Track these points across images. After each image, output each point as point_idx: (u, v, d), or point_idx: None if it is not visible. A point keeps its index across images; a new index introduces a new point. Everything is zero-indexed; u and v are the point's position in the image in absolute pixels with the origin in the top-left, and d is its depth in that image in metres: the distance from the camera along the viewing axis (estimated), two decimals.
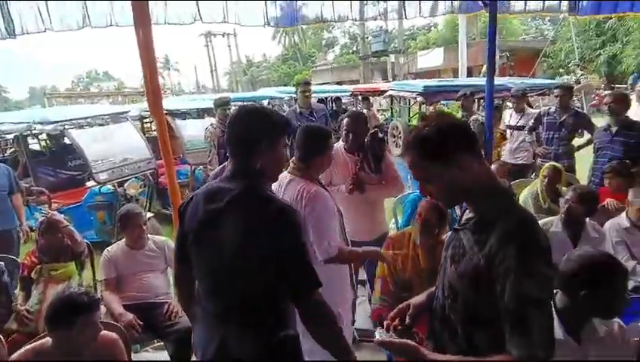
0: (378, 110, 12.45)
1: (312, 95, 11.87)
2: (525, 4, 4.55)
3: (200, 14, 3.56)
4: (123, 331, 2.18)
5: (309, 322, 1.37)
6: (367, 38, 25.95)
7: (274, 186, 2.08)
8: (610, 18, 10.42)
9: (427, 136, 1.12)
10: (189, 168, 5.88)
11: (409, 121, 8.50)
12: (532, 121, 4.63)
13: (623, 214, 2.81)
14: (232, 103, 4.99)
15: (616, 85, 17.33)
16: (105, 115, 5.58)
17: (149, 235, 2.91)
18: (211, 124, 4.86)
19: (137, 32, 3.09)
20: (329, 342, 1.38)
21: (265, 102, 11.27)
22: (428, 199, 2.29)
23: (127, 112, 5.99)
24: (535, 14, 4.74)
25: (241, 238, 1.30)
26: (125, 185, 4.95)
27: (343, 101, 11.52)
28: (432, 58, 25.14)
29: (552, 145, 4.35)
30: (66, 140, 5.71)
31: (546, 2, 4.57)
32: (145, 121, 7.28)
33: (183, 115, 6.84)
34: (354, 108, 10.32)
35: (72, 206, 5.08)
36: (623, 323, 1.65)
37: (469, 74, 16.14)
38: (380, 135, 3.08)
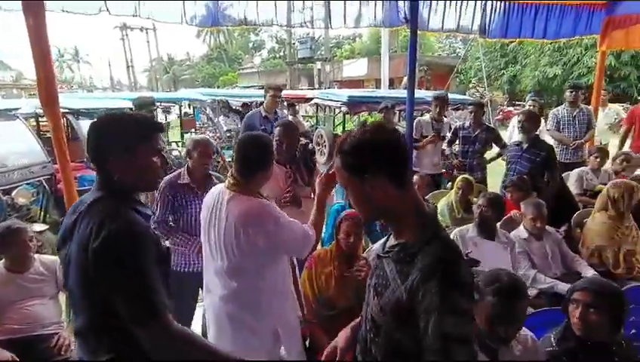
0: (304, 117, 12.46)
1: (237, 98, 11.46)
2: (442, 24, 4.83)
3: (107, 6, 3.20)
4: None
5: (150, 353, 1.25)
6: (294, 44, 26.07)
7: (210, 201, 1.86)
8: (513, 42, 11.59)
9: (354, 146, 1.09)
10: (94, 174, 5.28)
11: (334, 129, 8.62)
12: (449, 134, 4.86)
13: (522, 226, 3.01)
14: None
15: (517, 102, 19.36)
16: None
17: (36, 255, 2.49)
18: None
19: (27, 21, 2.70)
20: None
21: (185, 104, 10.72)
22: (351, 216, 2.25)
23: (17, 109, 5.21)
24: (450, 33, 5.05)
25: (79, 257, 1.23)
26: (13, 193, 4.27)
27: None
28: (356, 67, 25.96)
29: (466, 158, 4.60)
30: None
31: (460, 23, 4.89)
32: (41, 119, 6.40)
33: (90, 114, 6.13)
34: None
35: None
36: (535, 337, 1.71)
37: (391, 84, 16.89)
38: (311, 146, 2.99)
